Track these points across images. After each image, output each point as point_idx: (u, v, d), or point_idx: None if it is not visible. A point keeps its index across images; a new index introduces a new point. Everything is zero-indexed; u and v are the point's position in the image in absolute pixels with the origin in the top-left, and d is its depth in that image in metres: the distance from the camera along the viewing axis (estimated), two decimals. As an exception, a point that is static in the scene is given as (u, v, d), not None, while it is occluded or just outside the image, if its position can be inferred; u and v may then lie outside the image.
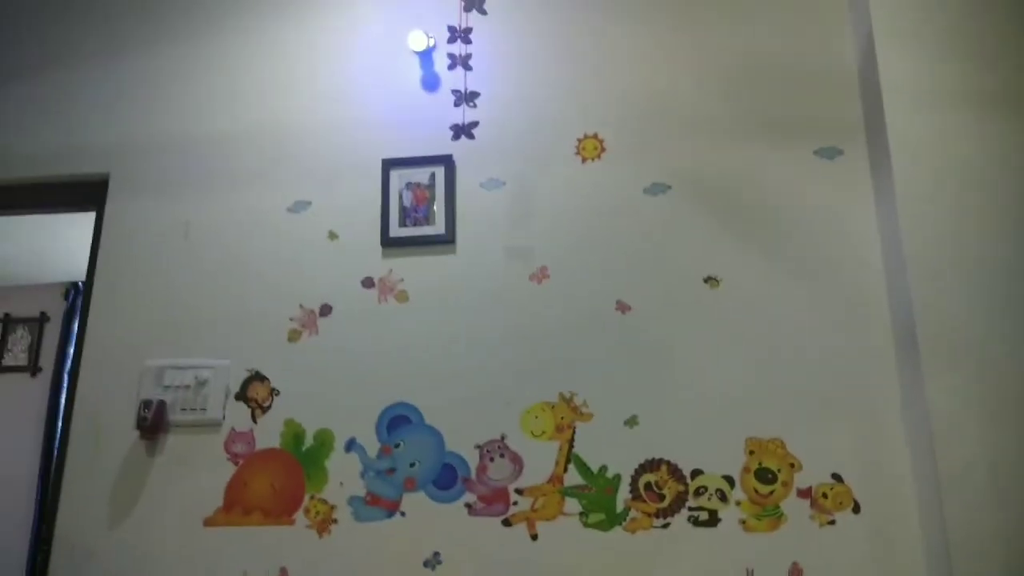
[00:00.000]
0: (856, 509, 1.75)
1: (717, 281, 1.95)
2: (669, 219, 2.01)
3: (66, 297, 3.97)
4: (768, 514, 1.77)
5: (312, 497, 1.91)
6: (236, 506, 1.93)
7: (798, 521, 1.76)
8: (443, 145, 2.10)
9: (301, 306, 2.06)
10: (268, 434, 1.98)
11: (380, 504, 1.89)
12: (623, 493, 1.83)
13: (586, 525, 1.82)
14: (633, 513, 1.81)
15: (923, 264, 1.74)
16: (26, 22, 2.44)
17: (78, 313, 3.53)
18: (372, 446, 1.94)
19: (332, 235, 2.11)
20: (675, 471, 1.83)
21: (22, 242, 3.61)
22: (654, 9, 2.18)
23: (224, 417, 2.00)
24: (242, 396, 2.02)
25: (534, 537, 1.83)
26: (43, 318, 4.06)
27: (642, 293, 1.96)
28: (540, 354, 1.95)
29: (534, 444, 1.89)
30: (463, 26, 1.72)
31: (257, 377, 2.03)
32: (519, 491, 1.86)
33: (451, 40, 1.74)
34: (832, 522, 1.75)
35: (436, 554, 1.84)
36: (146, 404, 1.97)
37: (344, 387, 1.99)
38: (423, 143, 2.13)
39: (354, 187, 2.13)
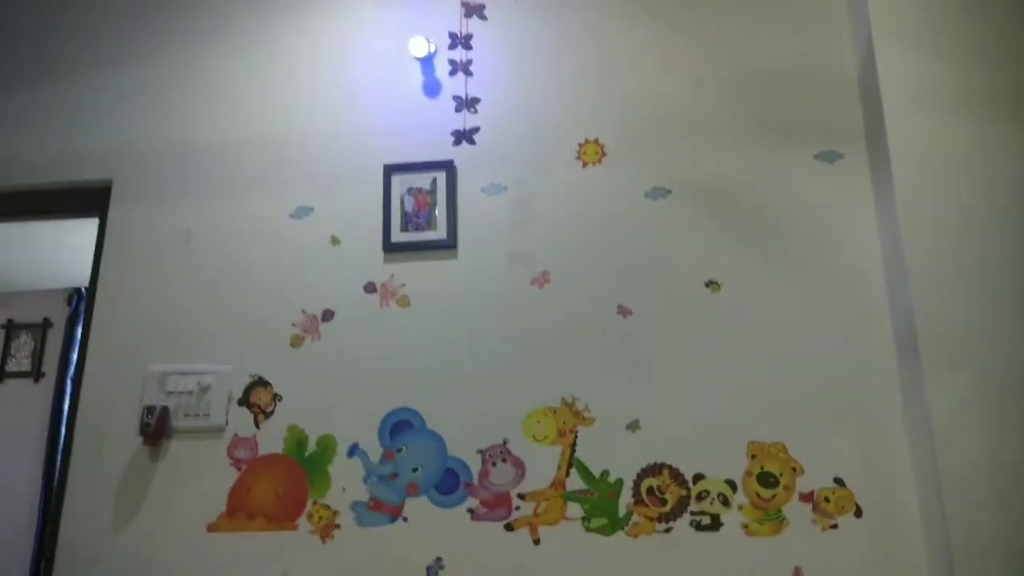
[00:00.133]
0: (858, 513, 1.75)
1: (718, 285, 1.95)
2: (670, 223, 2.01)
3: (69, 303, 3.98)
4: (770, 518, 1.77)
5: (315, 502, 1.92)
6: (239, 512, 1.93)
7: (800, 525, 1.76)
8: (444, 150, 2.11)
9: (303, 311, 2.07)
10: (271, 439, 1.98)
11: (383, 509, 1.89)
12: (625, 498, 1.83)
13: (588, 530, 1.82)
14: (635, 518, 1.81)
15: (923, 267, 1.74)
16: (29, 30, 2.46)
17: (81, 319, 3.54)
18: (375, 451, 1.94)
19: (334, 240, 2.12)
20: (677, 475, 1.83)
21: (25, 248, 3.62)
22: (654, 15, 2.19)
23: (227, 423, 2.01)
24: (245, 402, 2.02)
25: (536, 542, 1.83)
26: (46, 324, 4.06)
27: (643, 297, 1.96)
28: (542, 359, 1.96)
29: (536, 449, 1.89)
30: (464, 32, 1.73)
31: (260, 383, 2.03)
32: (521, 496, 1.86)
33: (452, 46, 1.75)
34: (834, 526, 1.75)
35: (439, 559, 1.84)
36: (149, 410, 1.98)
37: (346, 392, 1.99)
38: (424, 148, 2.14)
39: (356, 193, 2.14)
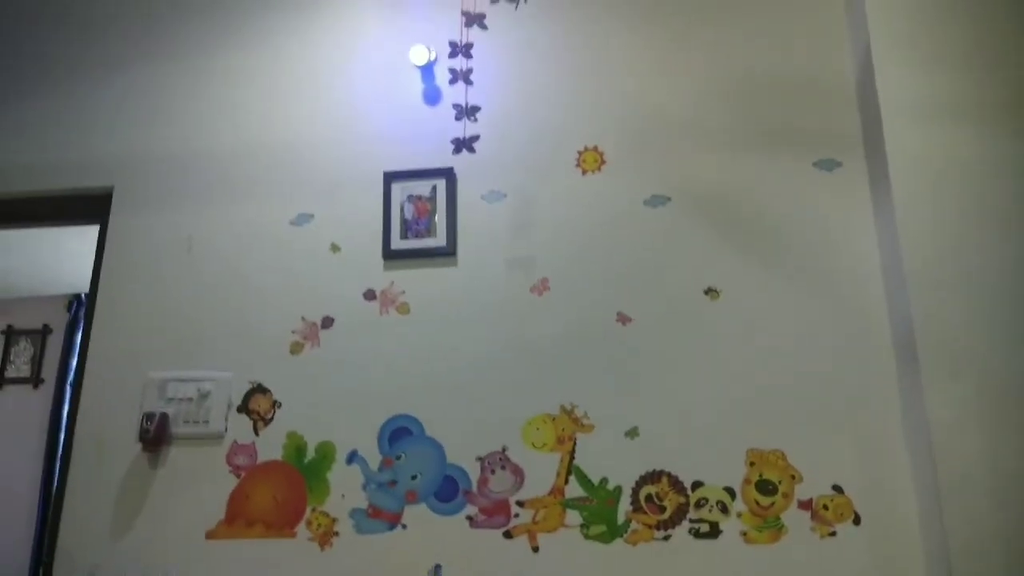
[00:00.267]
0: (857, 520, 1.75)
1: (717, 293, 1.96)
2: (669, 231, 2.02)
3: (69, 309, 3.98)
4: (769, 526, 1.77)
5: (314, 510, 1.92)
6: (238, 519, 1.93)
7: (799, 533, 1.76)
8: (444, 158, 2.12)
9: (303, 318, 2.07)
10: (270, 446, 1.98)
11: (382, 516, 1.89)
12: (624, 505, 1.83)
13: (587, 537, 1.82)
14: (634, 525, 1.81)
15: (922, 274, 1.74)
16: (30, 36, 2.47)
17: (81, 325, 3.55)
18: (374, 458, 1.94)
19: (334, 247, 2.13)
20: (676, 483, 1.83)
21: (25, 254, 3.62)
22: (653, 23, 2.20)
23: (226, 430, 2.01)
24: (244, 408, 2.02)
25: (535, 549, 1.83)
26: (46, 330, 4.07)
27: (643, 304, 1.97)
28: (541, 366, 1.96)
29: (535, 456, 1.89)
30: (464, 41, 1.73)
31: (259, 389, 2.03)
32: (520, 503, 1.86)
33: (452, 55, 1.75)
34: (833, 534, 1.75)
35: (437, 567, 1.84)
36: (148, 417, 1.98)
37: (346, 399, 2.00)
38: (425, 156, 2.15)
39: (356, 200, 2.15)
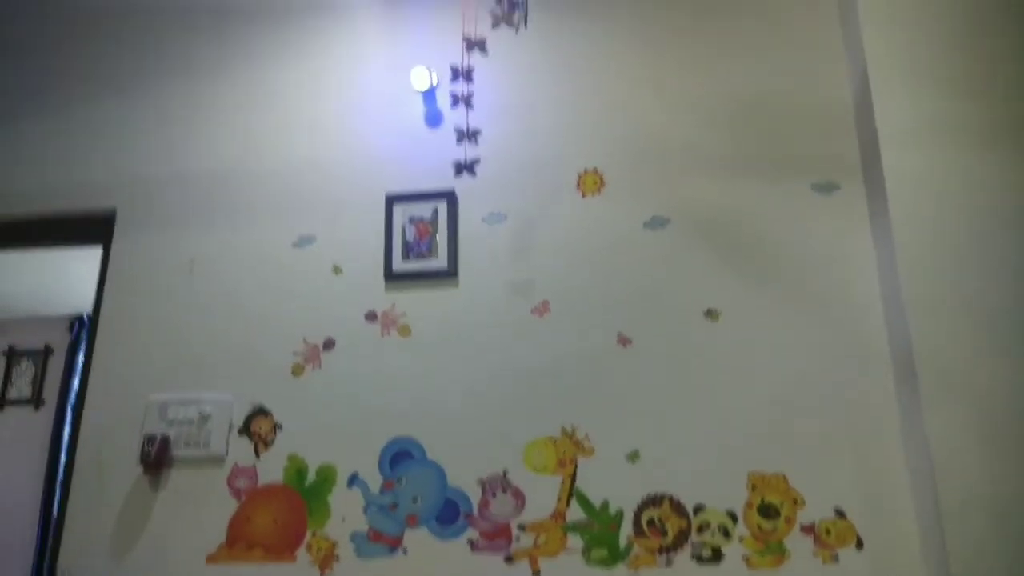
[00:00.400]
0: (859, 545, 1.74)
1: (717, 314, 1.96)
2: (669, 253, 2.03)
3: (71, 330, 3.98)
4: (771, 550, 1.76)
5: (314, 533, 1.91)
6: (239, 542, 1.92)
7: (802, 558, 1.75)
8: (446, 180, 2.13)
9: (304, 340, 2.08)
10: (271, 469, 1.98)
11: (382, 540, 1.89)
12: (626, 529, 1.82)
13: (589, 562, 1.81)
14: (636, 549, 1.80)
15: (921, 297, 1.75)
16: (35, 61, 2.50)
17: (83, 346, 3.55)
18: (375, 481, 1.93)
19: (336, 269, 2.13)
20: (678, 507, 1.82)
21: (28, 275, 3.63)
22: (653, 48, 2.22)
23: (227, 452, 2.00)
24: (245, 431, 2.02)
25: (536, 574, 1.82)
26: (47, 351, 4.06)
27: (643, 326, 1.97)
28: (541, 388, 1.96)
29: (536, 479, 1.89)
30: (465, 66, 1.76)
31: (260, 411, 2.03)
32: (521, 527, 1.85)
33: (454, 79, 1.77)
34: (835, 558, 1.74)
35: (438, 591, 1.83)
36: (150, 439, 1.98)
37: (347, 421, 1.99)
38: (426, 178, 2.17)
39: (358, 222, 2.16)
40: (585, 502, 1.85)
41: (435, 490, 1.91)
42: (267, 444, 2.00)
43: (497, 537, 1.85)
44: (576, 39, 2.26)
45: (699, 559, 1.78)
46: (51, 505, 3.51)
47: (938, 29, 1.94)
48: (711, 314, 1.96)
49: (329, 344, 2.07)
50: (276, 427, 2.02)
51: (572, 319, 2.01)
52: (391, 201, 2.16)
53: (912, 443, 1.74)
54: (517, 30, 1.65)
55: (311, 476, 1.96)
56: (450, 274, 2.08)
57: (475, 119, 1.98)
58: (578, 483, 1.87)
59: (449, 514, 1.88)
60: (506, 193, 2.14)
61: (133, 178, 2.31)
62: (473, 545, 1.85)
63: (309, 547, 1.90)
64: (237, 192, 2.25)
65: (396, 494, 1.92)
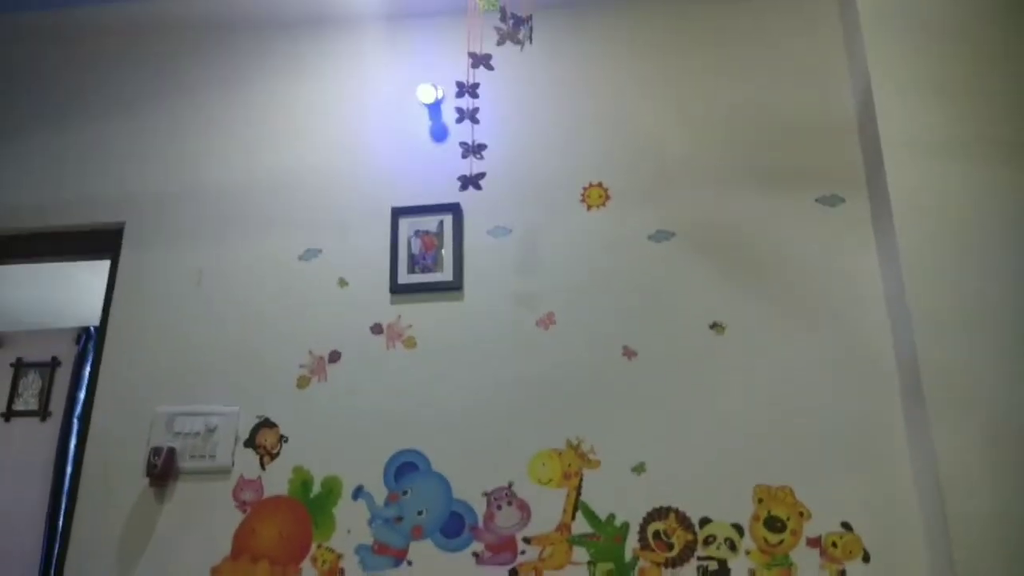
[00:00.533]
0: (866, 558, 1.73)
1: (723, 327, 1.96)
2: (674, 266, 2.03)
3: (78, 342, 4.00)
4: (778, 563, 1.75)
5: (319, 545, 1.91)
6: (244, 554, 1.92)
7: (808, 571, 1.74)
8: (451, 193, 2.14)
9: (310, 352, 2.09)
10: (276, 481, 1.98)
11: (387, 553, 1.88)
12: (631, 542, 1.82)
13: (594, 575, 1.80)
14: (642, 563, 1.80)
15: (926, 310, 1.75)
16: (46, 75, 2.52)
17: (90, 358, 3.56)
18: (380, 493, 1.94)
19: (342, 282, 2.15)
20: (684, 519, 1.82)
21: (34, 287, 3.65)
22: (657, 63, 2.24)
23: (233, 464, 2.01)
24: (251, 443, 2.03)
25: (542, 587, 1.81)
26: (54, 363, 4.08)
27: (648, 339, 1.98)
28: (547, 400, 1.96)
29: (541, 491, 1.88)
30: (470, 82, 1.77)
31: (266, 424, 2.04)
32: (527, 540, 1.85)
33: (459, 95, 1.79)
34: (842, 572, 1.73)
35: (443, 604, 1.83)
36: (156, 451, 1.98)
37: (352, 433, 2.00)
38: (432, 192, 2.18)
39: (364, 235, 2.18)
40: (591, 515, 1.85)
41: (440, 502, 1.91)
42: (272, 456, 2.01)
43: (502, 550, 1.85)
44: (580, 55, 2.28)
45: (705, 572, 1.77)
46: (57, 516, 3.52)
47: (941, 42, 1.96)
48: (716, 327, 1.96)
49: (335, 356, 2.08)
50: (282, 439, 2.02)
51: (577, 331, 2.01)
52: (397, 214, 2.17)
53: (919, 456, 1.73)
54: (522, 47, 1.66)
55: (316, 488, 1.96)
56: (455, 286, 2.09)
57: (481, 134, 1.99)
58: (583, 495, 1.87)
59: (454, 526, 1.88)
60: (511, 206, 2.15)
61: (141, 192, 2.33)
62: (478, 558, 1.85)
63: (314, 559, 1.90)
64: (244, 205, 2.27)
65: (401, 506, 1.92)
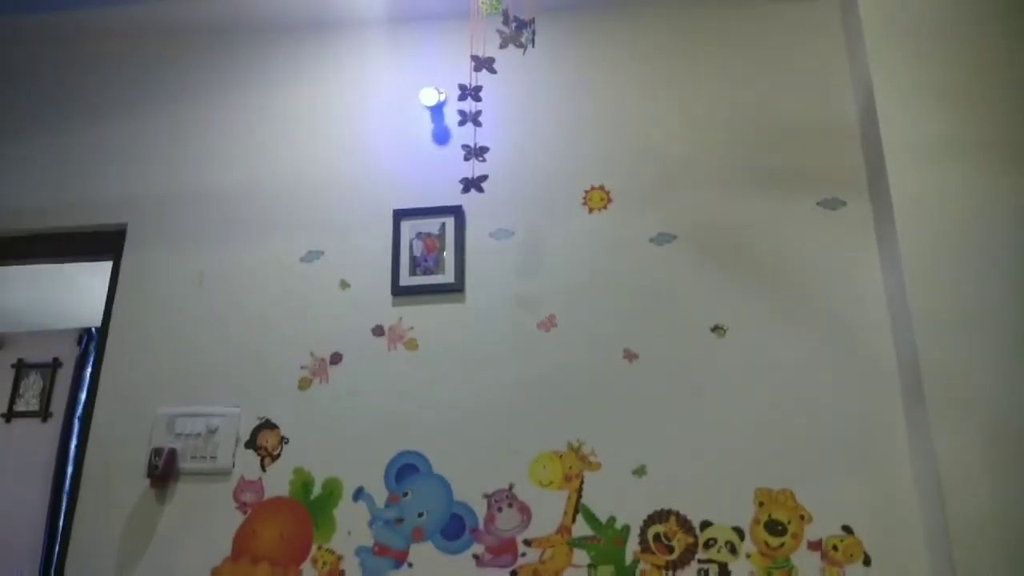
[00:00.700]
0: (867, 562, 1.73)
1: (724, 330, 1.96)
2: (675, 269, 2.04)
3: (79, 343, 4.00)
4: (779, 567, 1.75)
5: (320, 547, 1.91)
6: (244, 556, 1.92)
7: (809, 574, 1.74)
8: (453, 196, 2.13)
9: (312, 354, 2.09)
10: (277, 482, 1.98)
11: (388, 554, 1.88)
12: (632, 545, 1.82)
13: (595, 577, 1.80)
14: (642, 565, 1.80)
15: (927, 313, 1.75)
16: (48, 77, 2.53)
17: (91, 359, 3.56)
18: (380, 495, 1.94)
19: (344, 284, 2.15)
20: (684, 522, 1.82)
21: (35, 288, 3.66)
22: (659, 66, 2.25)
23: (234, 465, 2.01)
24: (252, 444, 2.03)
25: (542, 589, 1.81)
26: (55, 364, 4.08)
27: (649, 342, 1.98)
28: (548, 402, 1.96)
29: (542, 494, 1.88)
30: (473, 85, 1.77)
31: (267, 425, 2.04)
32: (527, 542, 1.85)
33: (462, 98, 1.79)
34: (843, 575, 1.73)
35: (444, 606, 1.83)
36: (157, 452, 1.99)
37: (353, 435, 2.00)
38: (434, 194, 2.18)
39: (366, 237, 2.18)
40: (591, 517, 1.85)
41: (441, 504, 1.91)
42: (273, 457, 2.01)
43: (503, 552, 1.85)
44: (583, 59, 2.29)
45: (706, 575, 1.77)
46: (58, 517, 3.51)
47: (943, 45, 1.96)
48: (718, 330, 1.97)
49: (336, 358, 2.08)
50: (283, 440, 2.02)
51: (578, 334, 2.01)
52: (399, 216, 2.17)
53: (919, 459, 1.73)
54: (525, 50, 1.67)
55: (317, 490, 1.96)
56: (457, 289, 2.09)
57: (483, 136, 1.99)
58: (584, 498, 1.87)
59: (455, 528, 1.88)
60: (513, 209, 2.16)
61: (143, 194, 2.33)
62: (478, 560, 1.85)
63: (315, 561, 1.90)
64: (246, 208, 2.27)
65: (402, 508, 1.92)
